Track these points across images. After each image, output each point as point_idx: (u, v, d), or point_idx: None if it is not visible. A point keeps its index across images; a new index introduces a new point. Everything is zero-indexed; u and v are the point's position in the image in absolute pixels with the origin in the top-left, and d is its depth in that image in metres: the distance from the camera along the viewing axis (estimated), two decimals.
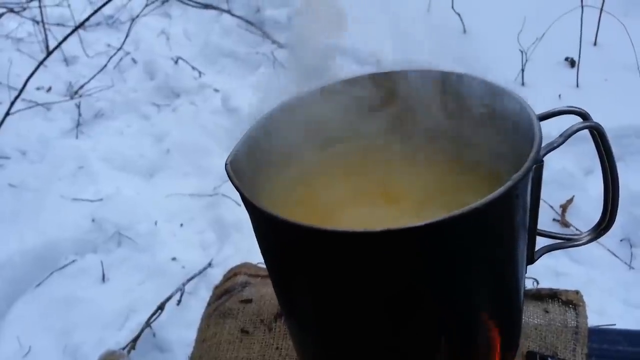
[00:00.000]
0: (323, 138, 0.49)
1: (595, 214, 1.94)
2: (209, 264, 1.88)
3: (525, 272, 0.46)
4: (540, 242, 0.51)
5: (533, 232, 0.43)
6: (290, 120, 0.47)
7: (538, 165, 0.40)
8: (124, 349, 1.54)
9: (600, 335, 0.97)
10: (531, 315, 0.97)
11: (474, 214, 0.32)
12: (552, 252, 0.51)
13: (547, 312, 0.98)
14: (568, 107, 0.45)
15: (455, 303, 0.37)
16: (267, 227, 0.38)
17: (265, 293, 0.98)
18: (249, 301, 0.96)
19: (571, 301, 1.00)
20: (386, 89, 0.50)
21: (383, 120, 0.47)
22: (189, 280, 1.79)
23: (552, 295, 1.01)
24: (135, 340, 1.56)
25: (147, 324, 1.62)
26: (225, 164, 0.41)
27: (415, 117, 0.47)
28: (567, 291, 1.03)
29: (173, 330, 1.67)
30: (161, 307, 1.66)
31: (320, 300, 0.38)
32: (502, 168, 0.34)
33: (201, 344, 0.93)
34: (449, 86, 0.46)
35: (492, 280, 0.38)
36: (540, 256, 0.47)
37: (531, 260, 0.45)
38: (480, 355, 0.43)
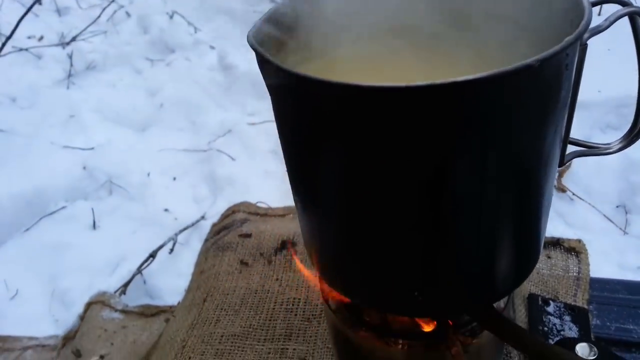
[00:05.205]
0: (353, 32, 0.46)
1: (591, 181, 1.92)
2: (202, 217, 1.86)
3: (556, 175, 0.44)
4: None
5: (569, 123, 0.41)
6: (318, 9, 0.44)
7: (583, 47, 0.38)
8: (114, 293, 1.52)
9: (601, 284, 0.97)
10: None
11: (525, 71, 0.30)
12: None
13: (549, 257, 0.98)
14: None
15: (488, 179, 0.35)
16: (296, 93, 0.36)
17: (265, 229, 0.96)
18: (248, 235, 0.94)
19: (573, 248, 0.99)
20: None
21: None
22: (181, 230, 1.77)
23: (555, 243, 1.00)
24: (125, 285, 1.54)
25: (139, 270, 1.60)
26: (248, 36, 0.38)
27: None
28: (569, 239, 1.03)
29: (164, 278, 1.65)
30: (153, 255, 1.64)
31: (350, 174, 0.36)
32: (542, 49, 0.32)
33: (199, 275, 0.92)
34: None
35: (528, 162, 0.36)
36: (570, 160, 0.45)
37: (562, 160, 0.44)
38: (501, 254, 0.41)
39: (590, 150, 0.47)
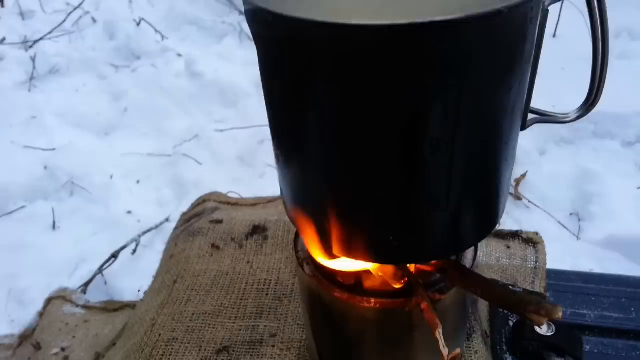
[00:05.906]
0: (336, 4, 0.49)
1: (546, 190, 1.99)
2: (166, 219, 1.84)
3: (517, 138, 0.47)
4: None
5: (530, 88, 0.45)
6: None
7: (544, 12, 0.42)
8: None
9: (557, 274, 1.02)
10: (493, 249, 1.01)
11: (495, 16, 0.33)
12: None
13: (508, 247, 1.02)
14: None
15: (458, 122, 0.38)
16: (285, 36, 0.38)
17: (236, 216, 0.97)
18: (219, 222, 0.95)
19: (531, 239, 1.04)
20: None
21: None
22: (145, 232, 1.75)
23: (514, 234, 1.05)
24: (86, 285, 1.51)
25: (100, 270, 1.57)
26: None
27: None
28: (527, 232, 1.08)
29: (125, 280, 1.62)
30: (115, 255, 1.62)
31: (334, 116, 0.38)
32: None
33: (168, 260, 0.92)
34: None
35: (495, 109, 0.40)
36: (531, 125, 0.49)
37: (524, 124, 0.47)
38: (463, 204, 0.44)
39: (550, 118, 0.51)
